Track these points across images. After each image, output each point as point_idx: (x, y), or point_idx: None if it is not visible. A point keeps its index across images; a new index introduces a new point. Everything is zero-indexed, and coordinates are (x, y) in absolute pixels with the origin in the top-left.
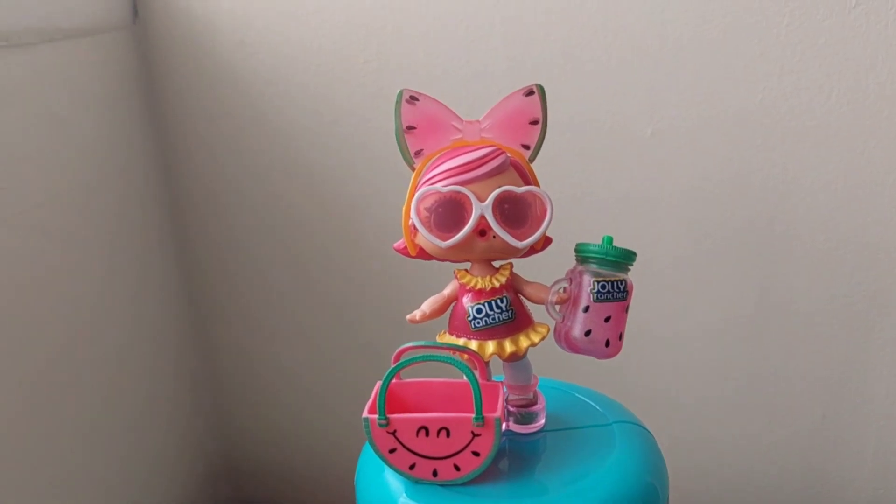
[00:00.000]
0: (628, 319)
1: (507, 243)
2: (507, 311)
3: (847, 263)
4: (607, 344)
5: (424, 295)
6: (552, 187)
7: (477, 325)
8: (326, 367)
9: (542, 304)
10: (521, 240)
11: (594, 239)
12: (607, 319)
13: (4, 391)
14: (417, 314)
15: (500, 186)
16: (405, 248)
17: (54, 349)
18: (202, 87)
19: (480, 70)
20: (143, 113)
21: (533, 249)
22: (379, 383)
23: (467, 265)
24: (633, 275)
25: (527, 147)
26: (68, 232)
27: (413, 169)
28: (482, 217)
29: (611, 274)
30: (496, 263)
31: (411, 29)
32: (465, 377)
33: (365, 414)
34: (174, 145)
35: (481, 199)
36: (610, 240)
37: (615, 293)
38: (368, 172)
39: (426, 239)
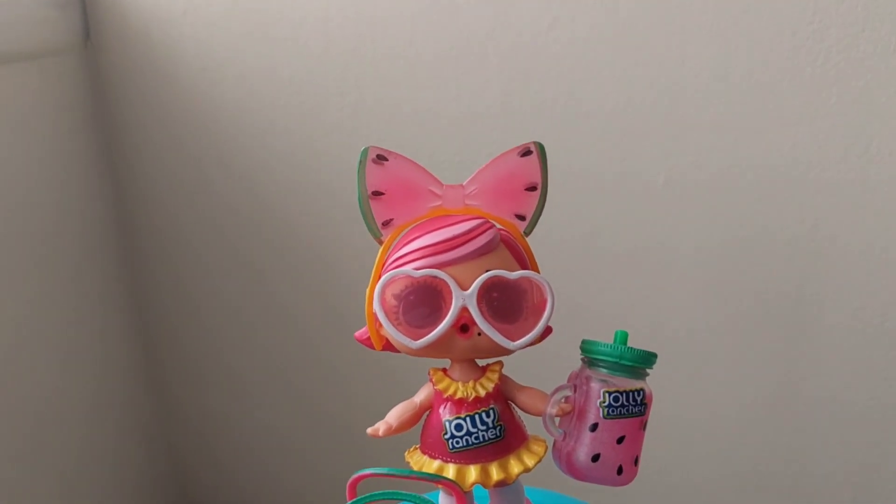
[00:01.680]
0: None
1: (494, 342)
2: (495, 427)
3: (886, 338)
4: (619, 471)
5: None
6: (546, 247)
7: (456, 445)
8: (301, 414)
9: (539, 415)
10: (513, 339)
11: (600, 322)
12: (620, 440)
13: None
14: (381, 428)
15: (487, 270)
16: (368, 339)
17: None
18: (160, 118)
19: (471, 109)
20: (93, 147)
21: (529, 343)
22: None
23: (446, 362)
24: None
25: (522, 218)
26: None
27: (380, 242)
28: (464, 309)
29: (625, 382)
30: (482, 362)
31: (395, 59)
32: None
33: None
34: (128, 184)
35: (464, 287)
36: (624, 337)
37: (631, 407)
38: (345, 219)
39: (392, 335)
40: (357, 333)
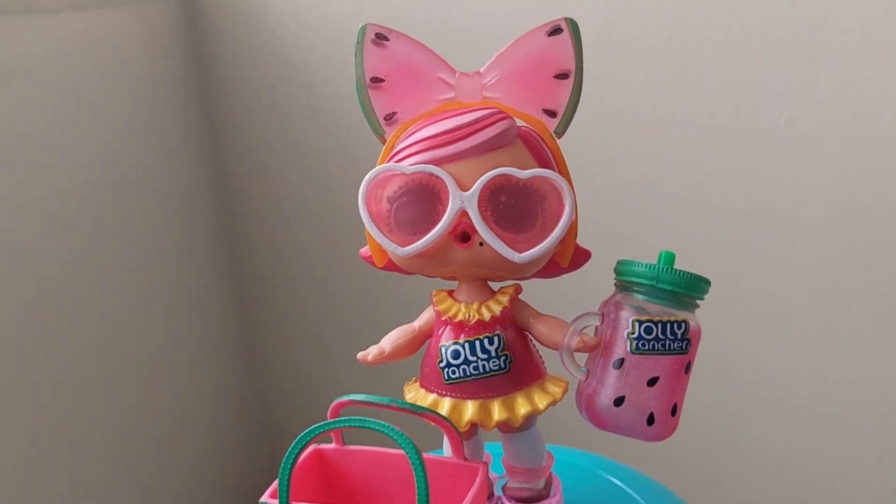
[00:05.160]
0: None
1: (499, 255)
2: (499, 357)
3: None
4: (650, 420)
5: None
6: (643, 199)
7: (452, 375)
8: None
9: (556, 348)
10: (520, 250)
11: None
12: (652, 382)
13: (22, 393)
14: (371, 352)
15: (495, 167)
16: (371, 255)
17: (74, 354)
18: (256, 63)
19: None
20: (187, 96)
21: (557, 267)
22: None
23: (455, 284)
24: (737, 310)
25: (552, 114)
26: (94, 228)
27: (383, 141)
28: (463, 213)
29: (663, 311)
30: (496, 285)
31: None
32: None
33: (263, 498)
34: (224, 134)
35: (464, 187)
36: (670, 258)
37: (668, 341)
38: None
39: (377, 241)
40: (362, 250)
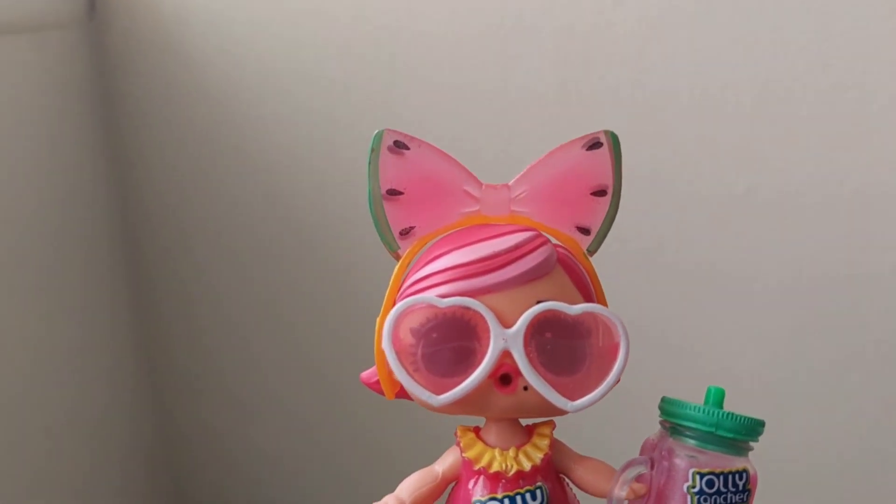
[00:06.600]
0: None
1: (545, 401)
2: None
3: None
4: None
5: None
6: (599, 263)
7: None
8: (310, 451)
9: (603, 497)
10: (573, 397)
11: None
12: None
13: None
14: None
15: (538, 301)
16: (377, 382)
17: None
18: (171, 100)
19: (519, 96)
20: (95, 130)
21: None
22: None
23: (479, 419)
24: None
25: (585, 232)
26: None
27: (397, 257)
28: (506, 354)
29: (722, 460)
30: (526, 420)
31: (433, 35)
32: None
33: None
34: (133, 175)
35: (506, 324)
36: (720, 396)
37: (730, 495)
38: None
39: (407, 386)
40: (364, 375)
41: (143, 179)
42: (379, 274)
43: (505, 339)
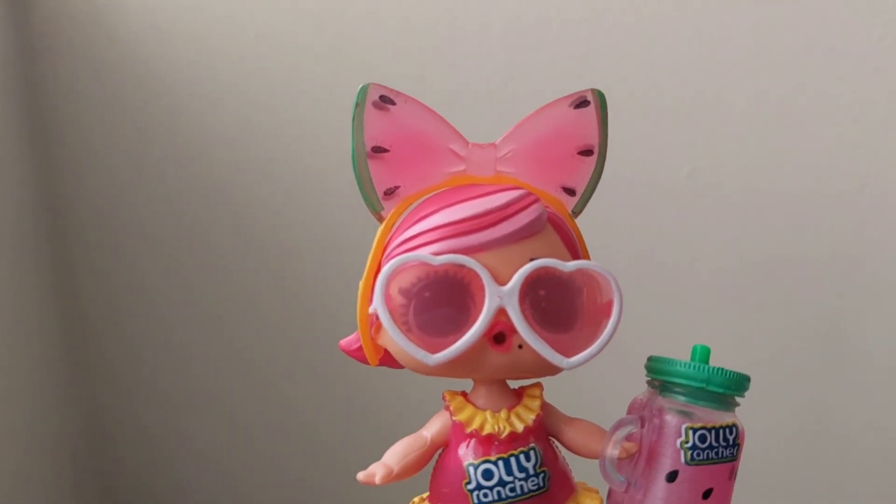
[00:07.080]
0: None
1: (541, 358)
2: (537, 474)
3: None
4: None
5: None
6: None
7: (484, 499)
8: (245, 449)
9: (594, 457)
10: (568, 353)
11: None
12: (707, 494)
13: None
14: (378, 473)
15: (531, 258)
16: (359, 349)
17: None
18: (99, 84)
19: (469, 88)
20: (17, 115)
21: None
22: None
23: (466, 382)
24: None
25: (570, 192)
26: None
27: (380, 219)
28: (501, 311)
29: (713, 415)
30: (514, 383)
31: (380, 20)
32: None
33: None
34: (59, 173)
35: (501, 281)
36: (706, 354)
37: (721, 449)
38: (324, 211)
39: (400, 346)
40: (343, 342)
41: (68, 170)
42: (313, 265)
43: (500, 297)
